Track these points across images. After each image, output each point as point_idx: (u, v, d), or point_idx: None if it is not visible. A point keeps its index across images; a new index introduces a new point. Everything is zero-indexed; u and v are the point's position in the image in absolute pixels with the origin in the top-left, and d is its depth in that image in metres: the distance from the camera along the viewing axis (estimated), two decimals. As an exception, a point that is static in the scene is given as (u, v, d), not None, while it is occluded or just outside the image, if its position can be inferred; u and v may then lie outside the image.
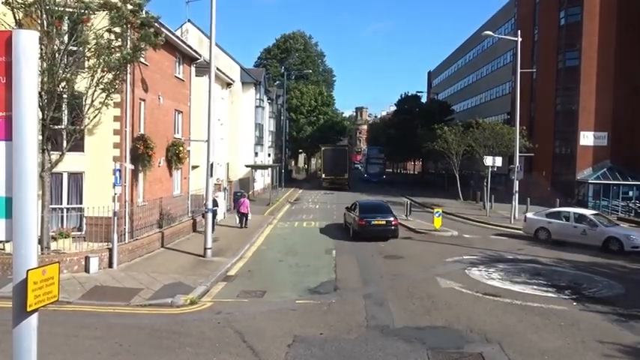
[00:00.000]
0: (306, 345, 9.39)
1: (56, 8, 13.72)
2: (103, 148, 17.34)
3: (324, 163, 56.63)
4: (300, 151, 79.85)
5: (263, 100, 47.05)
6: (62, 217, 17.25)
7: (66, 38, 14.40)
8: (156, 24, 16.38)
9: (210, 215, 17.56)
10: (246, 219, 24.56)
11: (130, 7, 14.68)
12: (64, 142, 15.49)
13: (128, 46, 15.23)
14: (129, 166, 17.80)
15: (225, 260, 16.76)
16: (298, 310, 11.73)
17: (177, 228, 20.53)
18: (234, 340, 9.66)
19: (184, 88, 25.05)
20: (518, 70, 29.58)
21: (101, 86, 15.02)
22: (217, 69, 28.78)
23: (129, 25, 14.98)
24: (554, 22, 43.25)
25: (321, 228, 25.68)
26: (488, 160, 31.06)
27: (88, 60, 14.98)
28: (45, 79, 13.67)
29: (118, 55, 14.86)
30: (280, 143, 59.02)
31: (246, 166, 39.61)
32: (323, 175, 56.31)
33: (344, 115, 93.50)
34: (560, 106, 42.90)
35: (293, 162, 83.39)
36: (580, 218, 21.33)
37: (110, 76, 15.07)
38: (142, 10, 15.24)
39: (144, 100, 19.69)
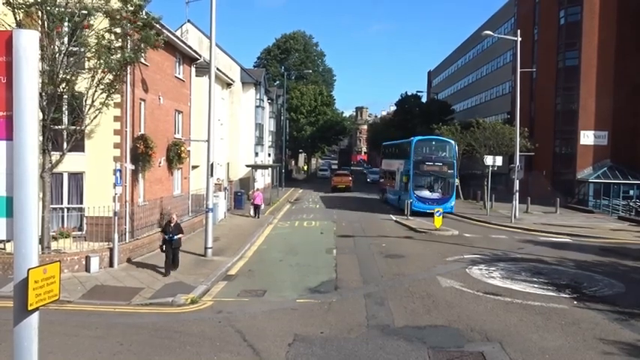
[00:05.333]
0: (307, 344, 9.40)
1: (57, 9, 13.71)
2: (104, 149, 17.34)
3: (339, 158, 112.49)
4: (300, 150, 79.82)
5: (263, 100, 47.06)
6: (63, 217, 17.27)
7: (66, 39, 14.41)
8: (157, 25, 16.39)
9: (210, 215, 17.56)
10: (259, 210, 28.07)
11: (130, 8, 14.68)
12: (65, 143, 15.50)
13: (129, 48, 15.22)
14: (129, 166, 17.81)
15: (226, 260, 16.77)
16: (299, 309, 11.73)
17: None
18: (235, 339, 9.66)
19: (184, 88, 25.06)
20: (518, 70, 29.55)
21: (101, 87, 15.03)
22: (217, 69, 28.79)
23: (130, 26, 14.97)
24: (554, 21, 43.24)
25: (322, 227, 25.68)
26: (489, 160, 31.04)
27: (89, 61, 14.98)
28: (45, 80, 13.68)
29: (119, 56, 14.87)
30: (280, 143, 59.05)
31: (247, 165, 39.62)
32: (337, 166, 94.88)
33: (344, 114, 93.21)
34: (560, 106, 42.90)
35: (293, 162, 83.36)
36: None
37: (111, 76, 15.08)
38: (141, 11, 15.24)
39: (144, 100, 19.70)
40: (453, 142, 33.22)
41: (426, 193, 30.97)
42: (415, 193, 30.59)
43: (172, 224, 14.77)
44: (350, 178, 52.77)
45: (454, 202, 31.27)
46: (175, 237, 14.58)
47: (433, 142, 33.34)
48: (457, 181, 31.35)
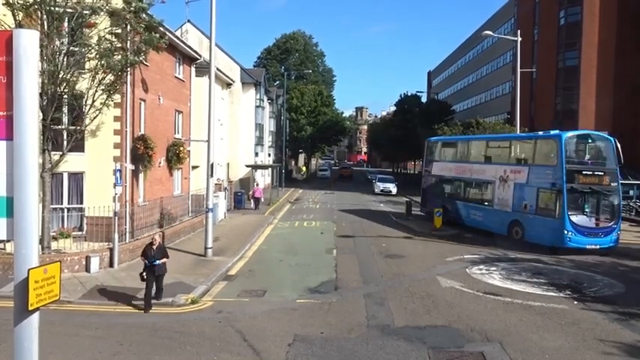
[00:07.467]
0: (307, 344, 9.40)
1: (56, 9, 13.70)
2: (104, 149, 17.34)
3: (337, 158, 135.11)
4: (300, 151, 79.78)
5: (263, 100, 47.02)
6: (63, 217, 17.26)
7: (66, 39, 14.40)
8: (160, 28, 16.39)
9: (210, 215, 17.55)
10: (259, 203, 32.05)
11: (132, 8, 14.68)
12: (65, 143, 15.51)
13: (129, 51, 15.19)
14: (129, 166, 17.81)
15: (226, 260, 16.77)
16: (299, 309, 11.73)
17: (177, 228, 20.53)
18: (235, 339, 9.67)
19: (184, 88, 25.06)
20: (518, 70, 29.53)
21: (102, 87, 15.03)
22: (217, 69, 28.78)
23: (132, 27, 14.95)
24: (554, 21, 43.23)
25: (322, 227, 25.67)
26: (489, 160, 30.70)
27: (89, 61, 14.98)
28: (45, 80, 13.68)
29: (120, 57, 14.86)
30: (280, 143, 59.02)
31: (247, 166, 39.60)
32: (337, 161, 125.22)
33: (344, 114, 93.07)
34: (560, 106, 42.88)
35: (293, 162, 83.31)
36: None
37: (111, 77, 15.08)
38: (142, 13, 15.21)
39: (144, 101, 19.70)
40: (613, 139, 21.45)
41: (584, 220, 19.33)
42: (572, 221, 18.78)
43: (155, 246, 12.07)
44: (350, 170, 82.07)
45: (619, 232, 19.97)
46: (159, 262, 11.92)
47: (589, 140, 21.91)
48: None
